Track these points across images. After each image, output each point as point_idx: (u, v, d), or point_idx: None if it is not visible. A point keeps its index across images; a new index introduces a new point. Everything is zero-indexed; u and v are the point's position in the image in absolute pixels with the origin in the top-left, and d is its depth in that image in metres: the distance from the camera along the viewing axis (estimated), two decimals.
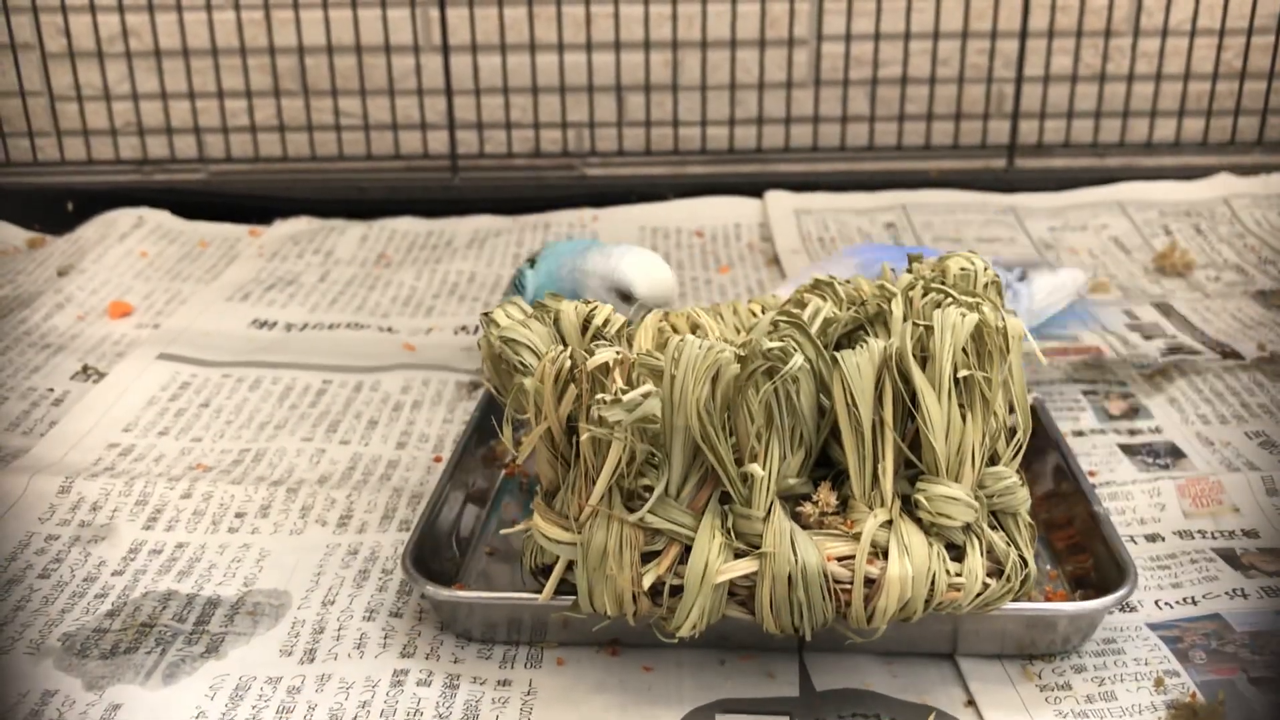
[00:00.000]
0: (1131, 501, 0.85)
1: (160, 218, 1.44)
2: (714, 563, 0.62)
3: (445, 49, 1.49)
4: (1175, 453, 0.91)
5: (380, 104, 1.56)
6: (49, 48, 1.54)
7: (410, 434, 0.97)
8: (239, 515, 0.85)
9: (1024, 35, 1.48)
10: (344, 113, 1.56)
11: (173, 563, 0.80)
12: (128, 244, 1.36)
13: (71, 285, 1.24)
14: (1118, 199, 1.46)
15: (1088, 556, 0.76)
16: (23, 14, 1.51)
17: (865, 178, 1.52)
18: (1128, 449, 0.92)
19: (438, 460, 0.93)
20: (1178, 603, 0.74)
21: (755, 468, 0.62)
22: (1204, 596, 0.75)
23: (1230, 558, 0.78)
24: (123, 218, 1.43)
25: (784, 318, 0.69)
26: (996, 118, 1.57)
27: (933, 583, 0.63)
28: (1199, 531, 0.82)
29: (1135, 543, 0.81)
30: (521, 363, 0.68)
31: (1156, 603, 0.74)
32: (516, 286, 1.04)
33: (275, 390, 1.04)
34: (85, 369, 1.07)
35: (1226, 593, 0.75)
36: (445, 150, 1.56)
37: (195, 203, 1.47)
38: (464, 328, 1.18)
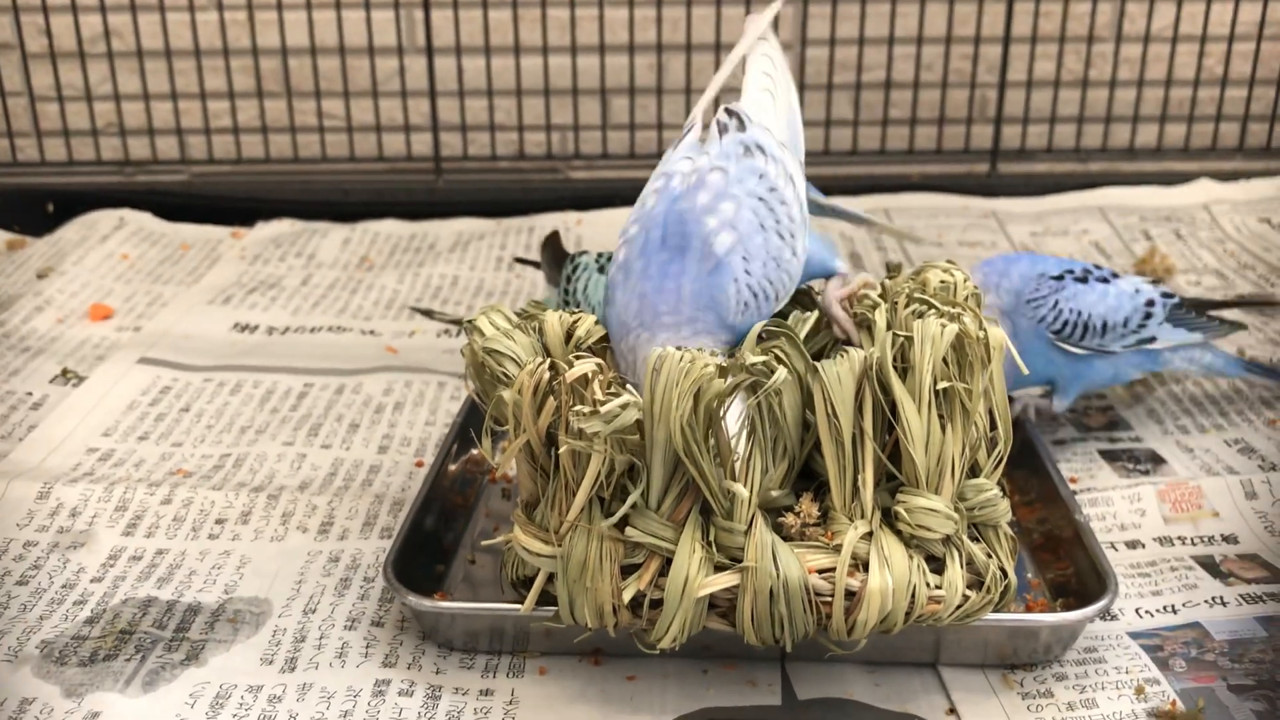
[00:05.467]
0: (1112, 507, 0.86)
1: (141, 219, 1.43)
2: (694, 577, 0.62)
3: (429, 51, 1.49)
4: (1155, 459, 0.92)
5: (364, 106, 1.55)
6: (30, 48, 1.53)
7: (392, 437, 0.97)
8: (219, 521, 0.84)
9: (1007, 41, 1.48)
10: (327, 114, 1.56)
11: (153, 569, 0.79)
12: (108, 246, 1.36)
13: (51, 288, 1.24)
14: (1099, 204, 1.46)
15: (1069, 565, 0.77)
16: (3, 14, 1.50)
17: (848, 181, 1.52)
18: (1108, 455, 0.93)
19: (419, 465, 0.93)
20: (1158, 611, 0.75)
21: (738, 486, 0.62)
22: (1184, 605, 0.75)
23: (1210, 565, 0.79)
24: (104, 219, 1.42)
25: (773, 327, 0.69)
26: (980, 122, 1.57)
27: (913, 595, 0.63)
28: (1179, 538, 0.82)
29: (1116, 549, 0.81)
30: (504, 374, 0.68)
31: (1137, 611, 0.75)
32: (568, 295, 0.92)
33: (256, 394, 1.03)
34: (65, 372, 1.07)
35: (1206, 601, 0.75)
36: (429, 153, 1.55)
37: (177, 204, 1.46)
38: (447, 330, 1.18)
